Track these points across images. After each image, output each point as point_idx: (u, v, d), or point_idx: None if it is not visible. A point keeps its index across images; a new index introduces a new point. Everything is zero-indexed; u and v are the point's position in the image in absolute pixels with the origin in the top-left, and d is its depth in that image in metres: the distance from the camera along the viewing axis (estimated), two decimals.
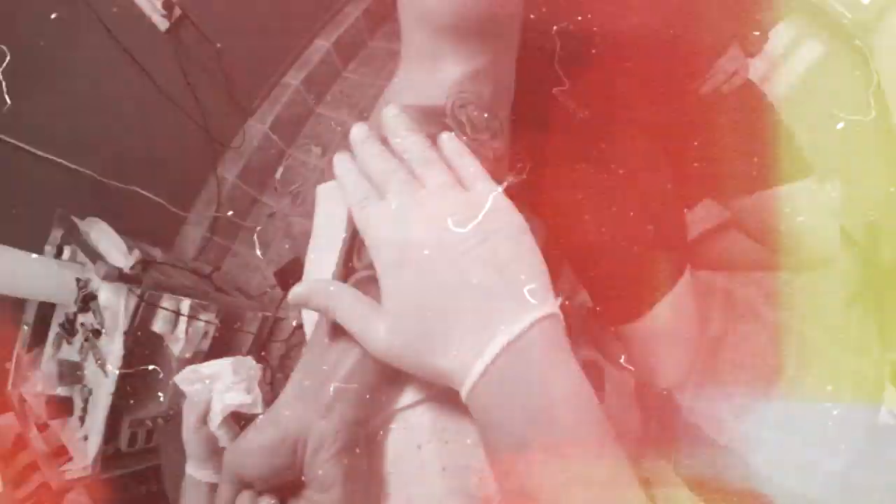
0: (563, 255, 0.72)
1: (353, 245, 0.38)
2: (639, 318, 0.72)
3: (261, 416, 0.36)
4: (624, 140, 0.69)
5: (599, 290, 0.75)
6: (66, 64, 1.27)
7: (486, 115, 0.39)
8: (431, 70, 0.38)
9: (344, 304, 0.33)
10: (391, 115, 0.36)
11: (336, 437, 0.33)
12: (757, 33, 0.75)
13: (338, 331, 0.36)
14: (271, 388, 1.60)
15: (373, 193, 0.34)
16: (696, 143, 0.78)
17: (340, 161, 0.37)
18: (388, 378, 0.38)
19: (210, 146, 1.72)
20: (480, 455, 0.38)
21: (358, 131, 0.37)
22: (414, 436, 0.41)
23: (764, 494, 1.16)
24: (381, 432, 0.42)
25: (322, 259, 0.44)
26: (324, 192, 0.59)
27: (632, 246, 0.69)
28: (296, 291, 0.35)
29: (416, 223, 0.31)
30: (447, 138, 0.36)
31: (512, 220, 0.32)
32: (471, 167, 0.34)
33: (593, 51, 0.61)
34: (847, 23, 1.63)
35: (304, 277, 0.56)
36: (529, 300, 0.29)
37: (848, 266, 1.27)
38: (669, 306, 0.71)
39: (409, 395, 0.41)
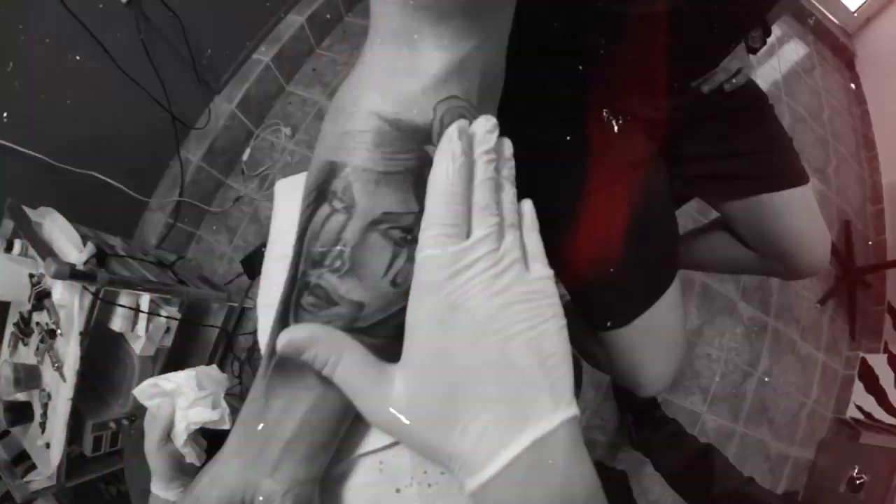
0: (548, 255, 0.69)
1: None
2: (625, 326, 0.70)
3: (206, 471, 0.34)
4: (621, 137, 0.66)
5: (585, 294, 0.73)
6: (16, 38, 1.17)
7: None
8: (408, 56, 0.32)
9: (352, 358, 0.29)
10: (509, 151, 0.33)
11: (284, 498, 0.32)
12: (759, 30, 0.73)
13: (277, 388, 0.33)
14: (240, 382, 1.57)
15: (461, 222, 0.29)
16: (693, 143, 0.76)
17: (448, 156, 0.30)
18: (340, 433, 0.36)
19: (173, 126, 1.64)
20: (465, 497, 0.36)
21: (487, 124, 0.32)
22: (392, 478, 0.39)
23: (737, 485, 1.18)
24: (354, 476, 0.39)
25: (280, 271, 0.39)
26: (283, 188, 0.53)
27: (623, 250, 0.67)
28: (292, 338, 0.29)
29: (479, 284, 0.28)
30: (530, 208, 0.34)
31: (559, 310, 0.30)
32: (536, 245, 0.33)
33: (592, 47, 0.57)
34: (832, 27, 1.64)
35: (261, 288, 0.52)
36: (562, 398, 0.27)
37: None
38: (657, 315, 0.69)
39: (383, 436, 0.39)
